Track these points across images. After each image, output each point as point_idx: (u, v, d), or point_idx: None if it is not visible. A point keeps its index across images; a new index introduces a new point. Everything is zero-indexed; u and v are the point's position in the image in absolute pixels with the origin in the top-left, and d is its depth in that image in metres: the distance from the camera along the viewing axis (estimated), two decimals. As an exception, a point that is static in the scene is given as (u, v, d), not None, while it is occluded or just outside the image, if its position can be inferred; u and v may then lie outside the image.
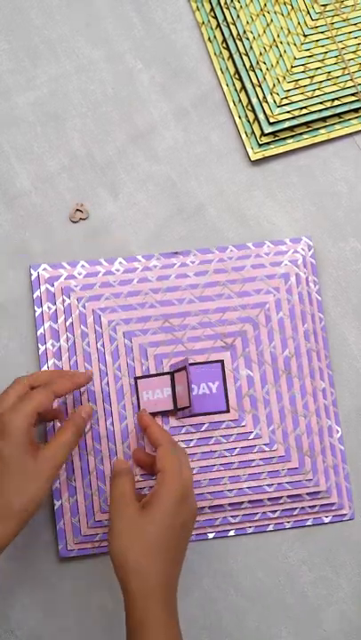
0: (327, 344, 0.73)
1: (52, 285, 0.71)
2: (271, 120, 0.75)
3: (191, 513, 0.59)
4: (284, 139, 0.77)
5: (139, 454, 0.67)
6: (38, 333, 0.71)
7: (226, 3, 0.78)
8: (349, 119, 0.78)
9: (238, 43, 0.77)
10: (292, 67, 0.76)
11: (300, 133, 0.77)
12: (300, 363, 0.71)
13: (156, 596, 0.55)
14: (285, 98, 0.76)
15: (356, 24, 0.78)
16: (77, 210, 0.75)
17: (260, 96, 0.76)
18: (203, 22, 0.79)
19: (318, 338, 0.73)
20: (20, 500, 0.56)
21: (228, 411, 0.69)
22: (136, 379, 0.69)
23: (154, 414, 0.68)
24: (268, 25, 0.77)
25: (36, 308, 0.71)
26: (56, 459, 0.59)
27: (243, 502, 0.69)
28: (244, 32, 0.77)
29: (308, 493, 0.70)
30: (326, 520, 0.71)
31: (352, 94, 0.77)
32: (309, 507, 0.70)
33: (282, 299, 0.72)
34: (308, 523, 0.70)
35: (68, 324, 0.71)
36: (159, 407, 0.68)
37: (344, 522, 0.71)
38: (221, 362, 0.69)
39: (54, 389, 0.62)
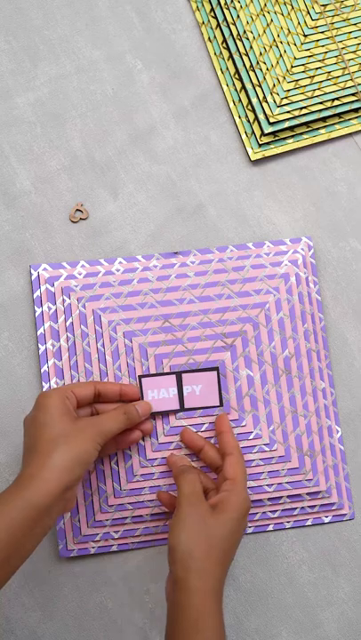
0: (327, 344, 0.73)
1: (52, 285, 0.71)
2: (271, 120, 0.75)
3: (246, 526, 0.61)
4: (284, 139, 0.77)
5: (163, 495, 0.67)
6: (38, 333, 0.71)
7: (226, 3, 0.78)
8: (349, 119, 0.78)
9: (238, 43, 0.77)
10: (292, 67, 0.76)
11: (300, 133, 0.77)
12: (300, 363, 0.71)
13: (214, 598, 0.56)
14: (285, 98, 0.76)
15: (356, 24, 0.78)
16: (77, 210, 0.75)
17: (260, 96, 0.76)
18: (203, 22, 0.79)
19: (318, 338, 0.73)
20: (61, 458, 0.56)
21: (221, 405, 0.69)
22: (140, 377, 0.68)
23: (158, 413, 0.68)
24: (268, 25, 0.77)
25: (36, 307, 0.71)
26: (99, 422, 0.60)
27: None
28: (245, 32, 0.77)
29: (308, 493, 0.70)
30: (326, 520, 0.71)
31: (352, 94, 0.77)
32: (309, 507, 0.70)
33: (282, 299, 0.72)
34: (308, 523, 0.70)
35: (68, 323, 0.71)
36: (164, 407, 0.68)
37: (344, 522, 0.71)
38: (217, 369, 0.70)
39: (97, 383, 0.64)
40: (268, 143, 0.77)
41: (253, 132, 0.77)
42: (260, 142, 0.76)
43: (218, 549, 0.57)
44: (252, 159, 0.76)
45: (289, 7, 0.78)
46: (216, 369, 0.69)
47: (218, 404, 0.69)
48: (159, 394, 0.69)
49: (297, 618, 0.69)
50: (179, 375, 0.69)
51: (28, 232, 0.74)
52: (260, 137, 0.76)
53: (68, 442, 0.57)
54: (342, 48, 0.78)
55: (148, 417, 0.68)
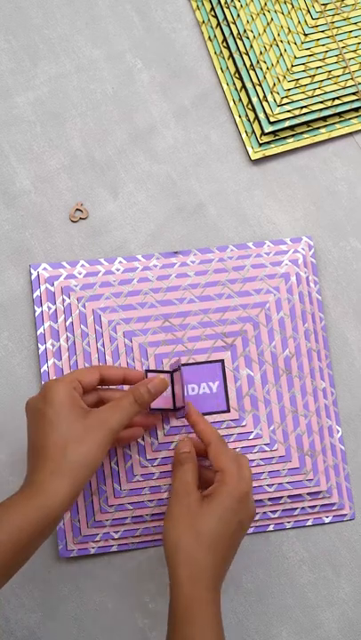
0: (327, 344, 0.73)
1: (52, 285, 0.71)
2: (271, 119, 0.75)
3: (249, 513, 0.60)
4: (285, 138, 0.77)
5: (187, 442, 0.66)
6: (38, 333, 0.71)
7: (226, 2, 0.78)
8: (350, 118, 0.78)
9: (239, 42, 0.77)
10: (292, 66, 0.76)
11: (301, 132, 0.77)
12: (300, 362, 0.71)
13: (204, 585, 0.56)
14: (286, 97, 0.76)
15: (356, 23, 0.78)
16: (77, 209, 0.75)
17: (261, 95, 0.76)
18: (203, 21, 0.79)
19: (319, 337, 0.73)
20: (71, 455, 0.56)
21: (228, 410, 0.69)
22: (147, 371, 0.67)
23: (156, 410, 0.68)
24: (268, 24, 0.77)
25: (35, 307, 0.71)
26: (107, 419, 0.58)
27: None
28: (245, 31, 0.77)
29: (308, 493, 0.69)
30: (327, 520, 0.70)
31: (353, 93, 0.77)
32: (310, 507, 0.70)
33: (282, 298, 0.72)
34: (309, 523, 0.70)
35: (67, 323, 0.70)
36: (161, 405, 0.68)
37: (344, 522, 0.71)
38: (222, 361, 0.69)
39: (102, 368, 0.63)
40: (268, 142, 0.77)
41: (254, 131, 0.76)
42: (261, 141, 0.76)
43: (206, 538, 0.57)
44: (252, 158, 0.76)
45: (289, 6, 0.78)
46: (221, 361, 0.69)
47: (224, 409, 0.69)
48: (165, 391, 0.68)
49: (297, 618, 0.69)
50: (172, 373, 0.68)
51: (28, 231, 0.74)
52: (261, 136, 0.76)
53: (77, 447, 0.56)
54: (343, 47, 0.77)
55: (154, 421, 0.67)
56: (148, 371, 0.67)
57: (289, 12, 0.78)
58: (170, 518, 0.59)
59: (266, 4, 0.77)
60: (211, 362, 0.69)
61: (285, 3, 0.78)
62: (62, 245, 0.74)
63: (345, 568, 0.70)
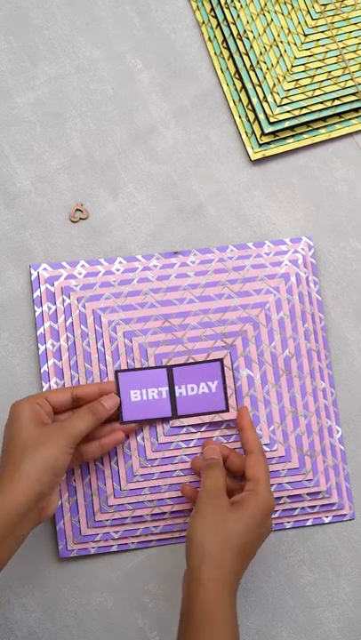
0: (327, 344, 0.73)
1: (52, 285, 0.71)
2: (271, 120, 0.75)
3: (269, 527, 0.61)
4: (285, 138, 0.77)
5: (186, 489, 0.67)
6: (38, 333, 0.71)
7: (226, 2, 0.78)
8: (350, 119, 0.78)
9: (238, 42, 0.77)
10: (292, 66, 0.76)
11: (301, 133, 0.77)
12: (300, 362, 0.71)
13: (226, 590, 0.56)
14: (286, 97, 0.76)
15: (356, 23, 0.78)
16: (77, 210, 0.75)
17: (261, 96, 0.76)
18: (203, 22, 0.79)
19: (318, 338, 0.73)
20: (29, 467, 0.57)
21: (227, 410, 0.69)
22: (117, 372, 0.68)
23: (144, 421, 0.68)
24: (268, 24, 0.77)
25: (35, 307, 0.71)
26: (65, 425, 0.60)
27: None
28: (245, 31, 0.77)
29: (308, 493, 0.69)
30: (326, 520, 0.70)
31: (352, 94, 0.77)
32: (310, 507, 0.70)
33: (282, 298, 0.72)
34: (309, 523, 0.70)
35: (67, 323, 0.70)
36: (154, 412, 0.68)
37: (344, 522, 0.71)
38: (220, 360, 0.69)
39: (74, 388, 0.64)
40: (268, 143, 0.77)
41: (254, 131, 0.76)
42: (261, 142, 0.76)
43: (233, 544, 0.58)
44: (252, 159, 0.76)
45: (289, 7, 0.78)
46: (220, 360, 0.69)
47: (223, 408, 0.69)
48: (146, 395, 0.68)
49: (297, 618, 0.69)
50: (170, 370, 0.69)
51: (28, 232, 0.74)
52: (261, 137, 0.76)
53: (35, 450, 0.58)
54: (343, 47, 0.78)
55: (135, 427, 0.67)
56: (118, 371, 0.67)
57: (289, 13, 0.78)
58: (199, 518, 0.59)
59: (266, 4, 0.77)
60: (209, 361, 0.69)
61: (285, 3, 0.78)
62: (62, 245, 0.74)
63: (345, 568, 0.70)
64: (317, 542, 0.70)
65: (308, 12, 0.78)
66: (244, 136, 0.77)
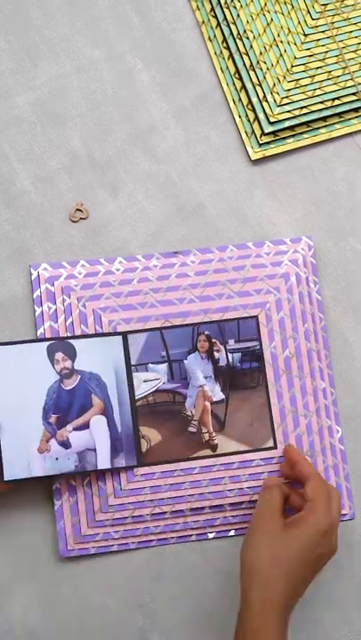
0: (327, 344, 0.73)
1: (53, 285, 0.71)
2: (271, 119, 0.75)
3: (331, 548, 0.60)
4: (285, 138, 0.77)
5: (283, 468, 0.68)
6: (38, 333, 0.71)
7: (226, 2, 0.78)
8: (350, 119, 0.78)
9: (238, 42, 0.77)
10: (292, 66, 0.76)
11: (301, 133, 0.77)
12: (300, 362, 0.71)
13: (276, 610, 0.55)
14: (286, 97, 0.76)
15: (356, 23, 0.78)
16: (77, 209, 0.75)
17: (261, 95, 0.76)
18: (203, 22, 0.79)
19: (318, 337, 0.73)
20: None
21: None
22: None
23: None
24: (268, 24, 0.77)
25: (36, 307, 0.71)
26: None
27: (243, 502, 0.69)
28: (245, 31, 0.77)
29: (308, 493, 0.70)
30: (327, 520, 0.70)
31: (352, 94, 0.77)
32: (310, 507, 0.70)
33: (282, 298, 0.72)
34: (309, 523, 0.70)
35: (68, 323, 0.71)
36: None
37: (344, 522, 0.71)
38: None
39: None
40: (268, 143, 0.77)
41: (254, 131, 0.76)
42: (261, 142, 0.76)
43: (286, 566, 0.57)
44: (252, 159, 0.76)
45: (289, 6, 0.78)
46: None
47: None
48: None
49: (297, 618, 0.69)
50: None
51: (28, 231, 0.74)
52: (261, 136, 0.76)
53: None
54: (343, 47, 0.78)
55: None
56: None
57: (289, 13, 0.78)
58: (251, 539, 0.59)
59: (266, 4, 0.77)
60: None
61: (285, 3, 0.78)
62: (62, 245, 0.74)
63: (345, 568, 0.70)
64: (317, 542, 0.70)
65: (308, 11, 0.78)
66: (244, 136, 0.77)
